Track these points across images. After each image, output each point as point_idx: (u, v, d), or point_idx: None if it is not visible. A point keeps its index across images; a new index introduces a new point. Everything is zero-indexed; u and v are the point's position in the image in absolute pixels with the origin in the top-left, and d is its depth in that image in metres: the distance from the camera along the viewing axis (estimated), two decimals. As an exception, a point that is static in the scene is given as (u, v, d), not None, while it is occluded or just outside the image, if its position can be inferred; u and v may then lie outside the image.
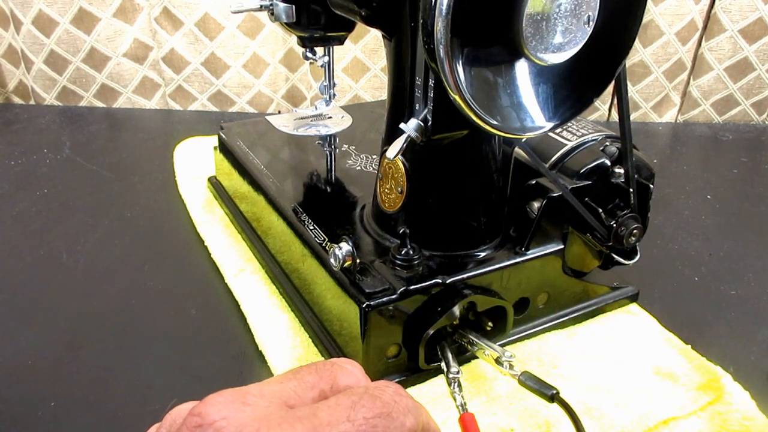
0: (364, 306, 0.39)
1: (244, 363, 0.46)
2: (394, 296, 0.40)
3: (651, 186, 0.48)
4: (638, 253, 0.49)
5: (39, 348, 0.47)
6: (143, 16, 0.88)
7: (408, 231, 0.42)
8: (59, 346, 0.47)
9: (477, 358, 0.44)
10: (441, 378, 0.43)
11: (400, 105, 0.42)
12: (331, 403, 0.22)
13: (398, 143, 0.40)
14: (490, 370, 0.44)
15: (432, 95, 0.38)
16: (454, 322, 0.42)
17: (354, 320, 0.41)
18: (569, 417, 0.31)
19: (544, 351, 0.47)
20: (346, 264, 0.40)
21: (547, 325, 0.48)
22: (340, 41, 0.56)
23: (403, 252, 0.42)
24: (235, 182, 0.61)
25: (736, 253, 0.61)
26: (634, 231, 0.47)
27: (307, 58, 0.56)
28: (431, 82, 0.38)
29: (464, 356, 0.44)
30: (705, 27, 0.90)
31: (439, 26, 0.33)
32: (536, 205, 0.45)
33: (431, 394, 0.42)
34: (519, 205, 0.46)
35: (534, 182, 0.45)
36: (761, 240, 0.64)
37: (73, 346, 0.47)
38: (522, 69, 0.38)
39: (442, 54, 0.33)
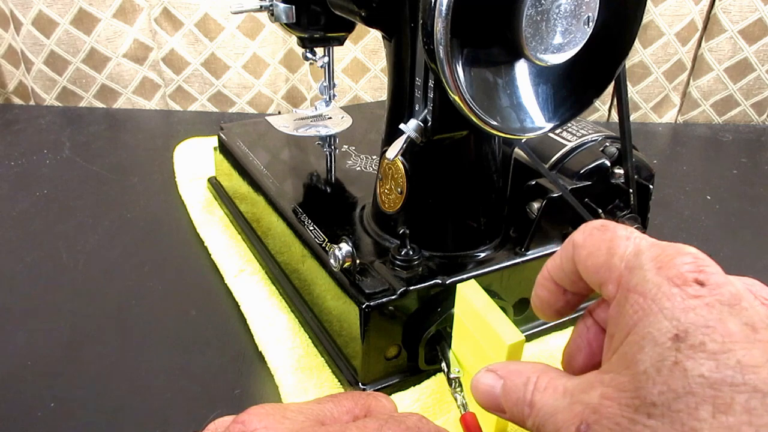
0: (363, 306, 0.39)
1: (244, 363, 0.46)
2: (393, 297, 0.40)
3: (651, 186, 0.48)
4: (638, 254, 0.49)
5: (39, 348, 0.47)
6: (143, 17, 0.88)
7: (408, 231, 0.42)
8: (59, 346, 0.47)
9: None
10: (441, 378, 0.43)
11: (399, 105, 0.43)
12: (359, 424, 0.24)
13: (398, 144, 0.40)
14: (489, 371, 0.44)
15: (432, 96, 0.39)
16: (454, 323, 0.42)
17: (354, 321, 0.41)
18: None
19: (544, 352, 0.47)
20: (346, 264, 0.40)
21: (547, 326, 0.48)
22: (340, 42, 0.56)
23: (402, 252, 0.42)
24: (234, 183, 0.61)
25: (736, 254, 0.61)
26: (634, 231, 0.47)
27: (306, 58, 0.56)
28: (431, 83, 0.38)
29: (464, 357, 0.44)
30: (705, 27, 0.90)
31: (439, 27, 0.33)
32: (536, 205, 0.45)
33: (431, 395, 0.42)
34: (519, 206, 0.46)
35: (534, 183, 0.45)
36: (761, 240, 0.64)
37: (73, 346, 0.47)
38: (522, 69, 0.38)
39: (441, 54, 0.33)
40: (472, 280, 0.35)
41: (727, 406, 0.19)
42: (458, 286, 0.35)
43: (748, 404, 0.19)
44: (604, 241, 0.25)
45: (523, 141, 0.47)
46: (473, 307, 0.33)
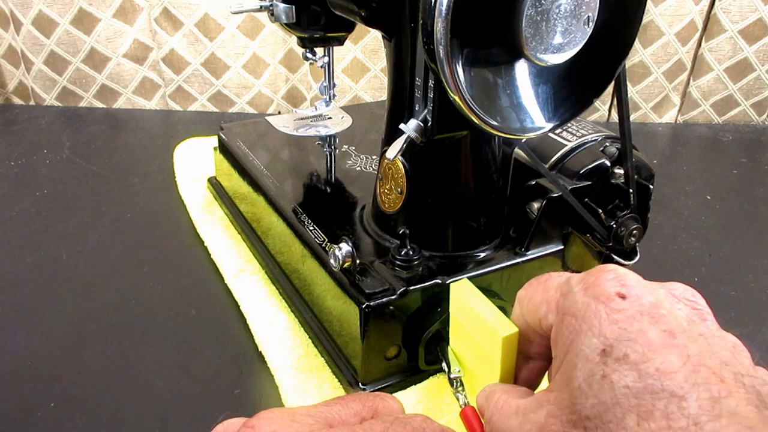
0: (363, 306, 0.39)
1: (244, 363, 0.46)
2: (393, 297, 0.40)
3: (651, 186, 0.48)
4: (638, 254, 0.49)
5: (39, 348, 0.47)
6: (143, 17, 0.88)
7: (408, 231, 0.42)
8: (59, 346, 0.47)
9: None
10: (441, 378, 0.43)
11: (399, 105, 0.43)
12: (366, 427, 0.25)
13: (398, 144, 0.40)
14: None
15: (432, 96, 0.38)
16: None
17: (354, 321, 0.41)
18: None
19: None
20: (346, 264, 0.40)
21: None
22: (340, 42, 0.56)
23: (402, 252, 0.42)
24: (235, 183, 0.61)
25: (736, 254, 0.61)
26: (634, 231, 0.47)
27: (306, 58, 0.56)
28: (431, 83, 0.38)
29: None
30: (705, 27, 0.90)
31: (439, 27, 0.33)
32: (536, 205, 0.45)
33: (432, 395, 0.42)
34: (519, 206, 0.46)
35: (534, 183, 0.45)
36: (761, 240, 0.64)
37: (73, 346, 0.47)
38: (522, 69, 0.38)
39: (441, 54, 0.33)
40: (465, 279, 0.36)
41: (649, 413, 0.20)
42: (451, 286, 0.35)
43: (666, 410, 0.20)
44: (540, 283, 0.27)
45: (523, 141, 0.47)
46: (467, 305, 0.34)
